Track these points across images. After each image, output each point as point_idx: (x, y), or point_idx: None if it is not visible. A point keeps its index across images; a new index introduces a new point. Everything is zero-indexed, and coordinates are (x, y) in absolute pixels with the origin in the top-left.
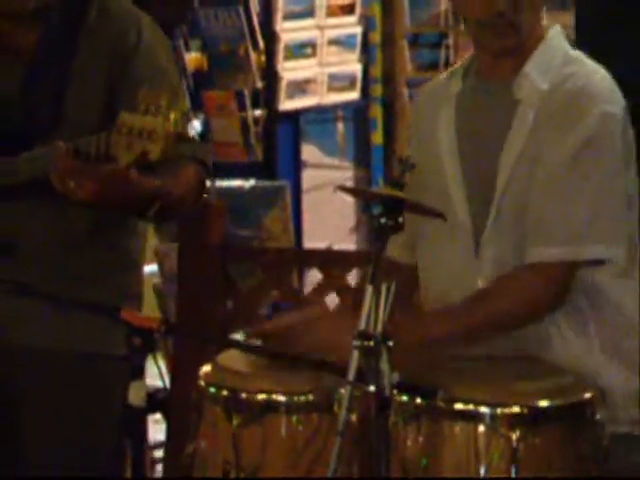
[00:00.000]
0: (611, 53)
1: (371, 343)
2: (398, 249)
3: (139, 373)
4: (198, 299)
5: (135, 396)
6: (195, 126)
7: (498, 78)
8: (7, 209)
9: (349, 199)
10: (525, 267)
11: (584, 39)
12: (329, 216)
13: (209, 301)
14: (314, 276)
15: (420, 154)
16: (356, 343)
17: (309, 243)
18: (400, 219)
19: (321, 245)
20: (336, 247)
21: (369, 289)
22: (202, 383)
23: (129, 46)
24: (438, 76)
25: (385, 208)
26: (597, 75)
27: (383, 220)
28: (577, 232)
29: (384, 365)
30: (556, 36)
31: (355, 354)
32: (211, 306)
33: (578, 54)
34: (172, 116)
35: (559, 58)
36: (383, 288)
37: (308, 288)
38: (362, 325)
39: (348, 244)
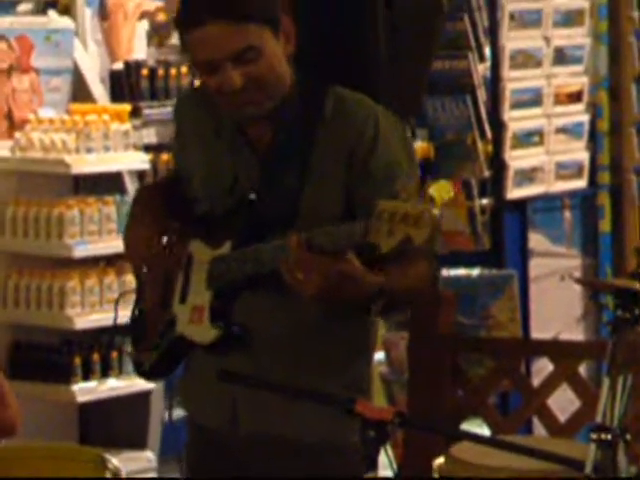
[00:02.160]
0: None
1: (608, 436)
2: None
3: (372, 465)
4: (428, 389)
5: None
6: None
7: None
8: (243, 299)
9: (576, 287)
10: None
11: None
12: (556, 305)
13: (439, 391)
14: (540, 365)
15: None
16: (593, 436)
17: (536, 332)
18: (637, 312)
19: (548, 334)
20: (563, 336)
21: (605, 382)
22: (436, 475)
23: (368, 140)
24: None
25: (621, 300)
26: None
27: (619, 312)
28: None
29: (621, 458)
30: None
31: (592, 447)
32: (441, 395)
33: None
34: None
35: None
36: (620, 381)
37: (535, 377)
38: (599, 418)
39: (575, 333)
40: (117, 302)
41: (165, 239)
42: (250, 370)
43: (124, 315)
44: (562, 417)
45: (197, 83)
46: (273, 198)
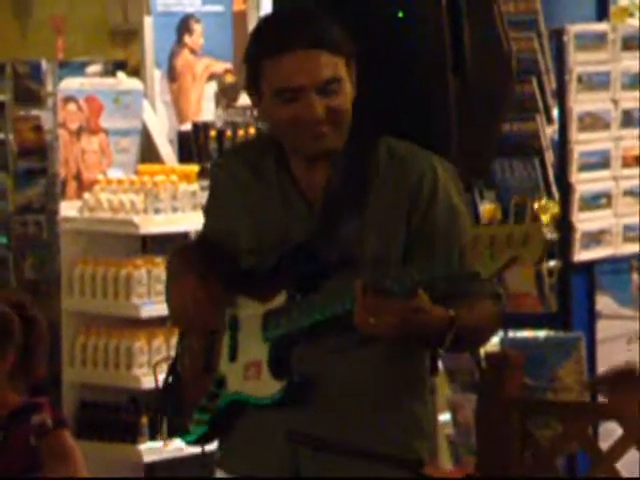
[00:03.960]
0: None
1: None
2: None
3: None
4: (497, 451)
5: None
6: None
7: None
8: (299, 349)
9: None
10: None
11: None
12: None
13: (507, 454)
14: (608, 427)
15: None
16: None
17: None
18: None
19: None
20: None
21: None
22: None
23: (428, 191)
24: None
25: None
26: None
27: None
28: None
29: None
30: None
31: None
32: (509, 459)
33: None
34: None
35: None
36: None
37: (603, 440)
38: None
39: None
40: (155, 371)
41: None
42: (306, 425)
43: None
44: None
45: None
46: (329, 246)
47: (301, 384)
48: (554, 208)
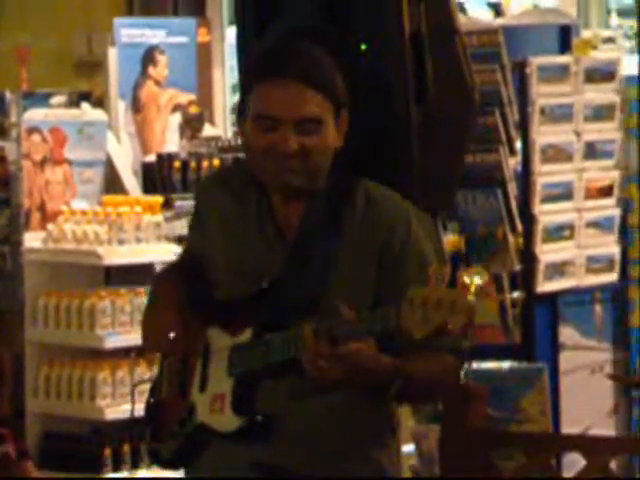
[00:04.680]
0: None
1: None
2: None
3: None
4: None
5: None
6: None
7: None
8: (265, 386)
9: (607, 381)
10: None
11: None
12: (587, 399)
13: None
14: (571, 458)
15: None
16: None
17: (566, 426)
18: None
19: (578, 428)
20: (594, 431)
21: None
22: None
23: (400, 239)
24: None
25: None
26: None
27: None
28: None
29: None
30: None
31: None
32: None
33: None
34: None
35: None
36: None
37: (567, 471)
38: None
39: (606, 428)
40: (133, 390)
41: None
42: (269, 457)
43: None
44: None
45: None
46: (297, 286)
47: (262, 423)
48: (484, 275)
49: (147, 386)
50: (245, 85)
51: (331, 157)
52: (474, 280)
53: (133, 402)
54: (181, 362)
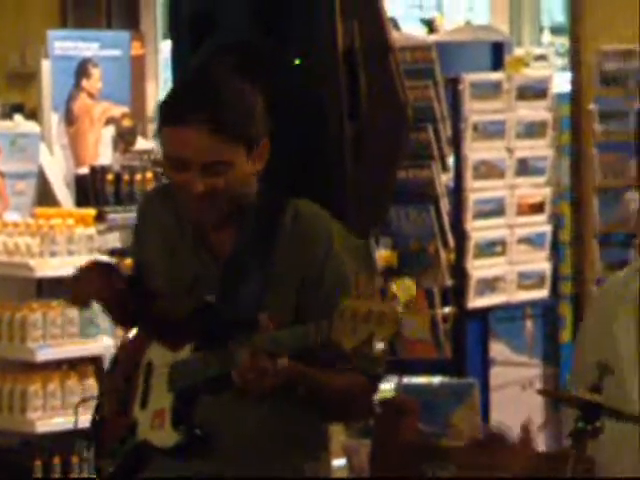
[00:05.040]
0: None
1: None
2: None
3: None
4: None
5: None
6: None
7: None
8: (205, 401)
9: (537, 397)
10: None
11: None
12: (517, 414)
13: None
14: None
15: (594, 355)
16: None
17: None
18: (598, 424)
19: None
20: None
21: None
22: None
23: (319, 260)
24: (616, 275)
25: (584, 412)
26: None
27: (581, 424)
28: None
29: None
30: None
31: None
32: None
33: None
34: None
35: None
36: None
37: None
38: None
39: (536, 443)
40: (77, 407)
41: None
42: (208, 472)
43: (86, 419)
44: None
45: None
46: (233, 303)
47: (200, 437)
48: (411, 289)
49: (77, 399)
50: (158, 126)
51: (251, 181)
52: (403, 292)
53: (77, 415)
54: (123, 379)
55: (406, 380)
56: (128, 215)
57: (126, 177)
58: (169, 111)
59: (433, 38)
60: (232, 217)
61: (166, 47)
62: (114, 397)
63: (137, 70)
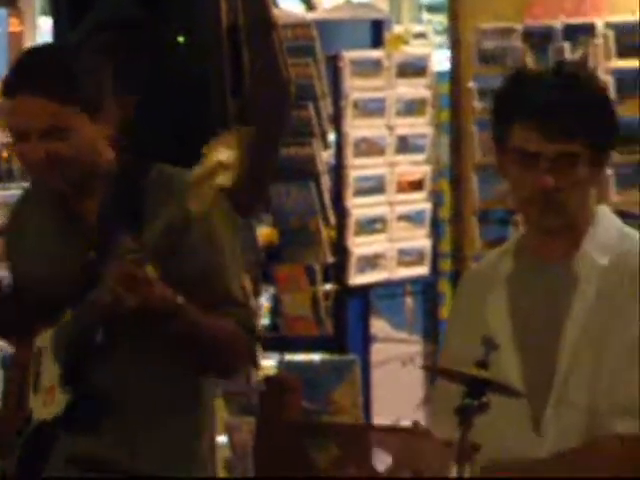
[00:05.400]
0: None
1: None
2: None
3: None
4: (276, 474)
5: None
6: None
7: (554, 256)
8: (89, 363)
9: (418, 372)
10: (614, 438)
11: None
12: (397, 390)
13: (286, 476)
14: None
15: (465, 338)
16: None
17: (378, 417)
18: (484, 399)
19: (390, 418)
20: (405, 421)
21: (454, 469)
22: None
23: (185, 215)
24: (487, 257)
25: (470, 388)
26: None
27: (468, 400)
28: None
29: None
30: (606, 215)
31: None
32: None
33: (633, 231)
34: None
35: (614, 235)
36: (466, 467)
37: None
38: None
39: (417, 418)
40: None
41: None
42: (91, 441)
43: None
44: None
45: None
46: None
47: (85, 399)
48: (330, 232)
49: None
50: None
51: (103, 146)
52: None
53: None
54: (21, 375)
55: (288, 357)
56: (7, 193)
57: (5, 154)
58: (6, 84)
59: (313, 15)
60: (92, 185)
61: (44, 24)
62: (12, 393)
63: (15, 47)
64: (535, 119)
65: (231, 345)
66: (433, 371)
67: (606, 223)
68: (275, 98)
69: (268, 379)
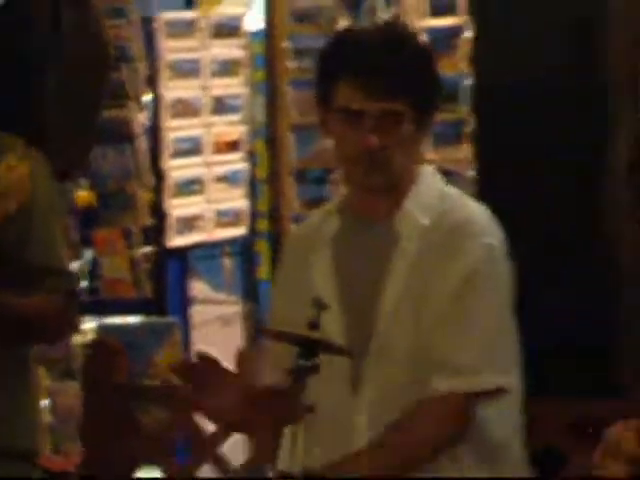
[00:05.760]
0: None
1: None
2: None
3: None
4: (104, 438)
5: None
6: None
7: (377, 216)
8: None
9: (238, 334)
10: (435, 399)
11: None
12: (218, 351)
13: (115, 440)
14: None
15: (292, 301)
16: None
17: None
18: (317, 360)
19: None
20: None
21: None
22: None
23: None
24: (310, 217)
25: (303, 349)
26: (475, 210)
27: (301, 361)
28: (473, 363)
29: None
30: (430, 174)
31: None
32: (116, 445)
33: (454, 191)
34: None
35: (436, 195)
36: (299, 428)
37: None
38: (281, 465)
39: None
40: None
41: None
42: None
43: None
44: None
45: None
46: None
47: None
48: (148, 194)
49: None
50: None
51: None
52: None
53: None
54: None
55: (106, 320)
56: None
57: None
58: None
59: None
60: None
61: None
62: None
63: None
64: (359, 78)
65: (45, 323)
66: (266, 333)
67: (429, 183)
68: (96, 60)
69: (94, 343)
